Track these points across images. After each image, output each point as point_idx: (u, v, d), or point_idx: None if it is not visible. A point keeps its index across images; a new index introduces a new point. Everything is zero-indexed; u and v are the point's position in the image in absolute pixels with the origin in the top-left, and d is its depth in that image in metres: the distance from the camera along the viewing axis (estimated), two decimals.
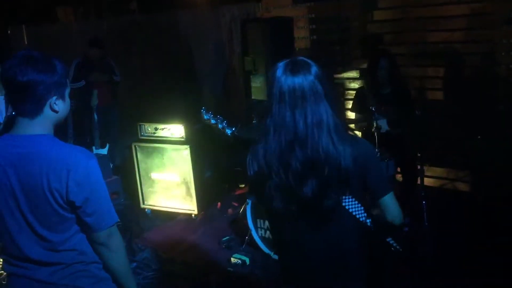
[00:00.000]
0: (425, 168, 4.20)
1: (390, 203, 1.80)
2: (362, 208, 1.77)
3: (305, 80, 1.65)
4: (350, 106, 4.65)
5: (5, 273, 1.95)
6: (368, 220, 1.81)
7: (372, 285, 1.91)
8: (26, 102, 1.72)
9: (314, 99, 1.64)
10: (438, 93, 5.01)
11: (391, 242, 1.94)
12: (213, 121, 3.67)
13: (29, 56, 1.71)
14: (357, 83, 5.43)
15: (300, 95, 1.64)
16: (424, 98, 5.01)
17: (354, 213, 1.75)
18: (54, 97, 1.74)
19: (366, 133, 4.25)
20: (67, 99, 1.82)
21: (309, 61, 1.73)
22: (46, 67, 1.71)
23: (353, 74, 5.50)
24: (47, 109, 1.75)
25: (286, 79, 1.66)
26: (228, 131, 3.61)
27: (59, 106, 1.77)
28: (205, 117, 3.68)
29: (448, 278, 3.36)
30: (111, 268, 1.87)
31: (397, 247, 1.96)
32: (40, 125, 1.75)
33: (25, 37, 7.27)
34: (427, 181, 4.66)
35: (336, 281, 1.82)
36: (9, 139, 1.75)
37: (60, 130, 1.92)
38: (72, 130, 5.06)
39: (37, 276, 1.79)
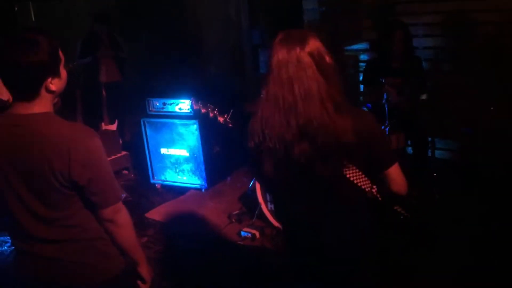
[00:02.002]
0: (436, 140, 4.15)
1: (395, 174, 1.77)
2: (367, 178, 1.74)
3: (293, 52, 1.64)
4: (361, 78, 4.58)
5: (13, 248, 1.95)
6: (374, 190, 1.78)
7: (382, 256, 1.88)
8: (21, 87, 1.68)
9: (301, 70, 1.63)
10: (450, 64, 4.90)
11: (398, 210, 1.92)
12: (203, 110, 3.61)
13: (17, 39, 1.64)
14: (367, 55, 5.34)
15: (285, 66, 1.64)
16: (436, 69, 4.91)
17: (359, 184, 1.73)
18: (49, 78, 1.69)
19: (376, 106, 4.19)
20: (63, 74, 1.75)
21: (304, 32, 1.72)
22: (35, 50, 1.63)
23: (364, 45, 5.41)
24: (43, 91, 1.70)
25: (276, 51, 1.67)
26: (221, 119, 3.56)
27: (55, 85, 1.71)
28: (193, 107, 3.61)
29: (458, 252, 3.34)
30: (119, 243, 1.87)
31: (406, 214, 1.94)
32: (39, 105, 1.71)
33: (32, 14, 7.21)
34: (438, 154, 4.61)
35: (345, 254, 1.79)
36: (8, 118, 1.72)
37: (69, 106, 1.89)
38: (81, 107, 5.05)
39: (44, 254, 1.79)
